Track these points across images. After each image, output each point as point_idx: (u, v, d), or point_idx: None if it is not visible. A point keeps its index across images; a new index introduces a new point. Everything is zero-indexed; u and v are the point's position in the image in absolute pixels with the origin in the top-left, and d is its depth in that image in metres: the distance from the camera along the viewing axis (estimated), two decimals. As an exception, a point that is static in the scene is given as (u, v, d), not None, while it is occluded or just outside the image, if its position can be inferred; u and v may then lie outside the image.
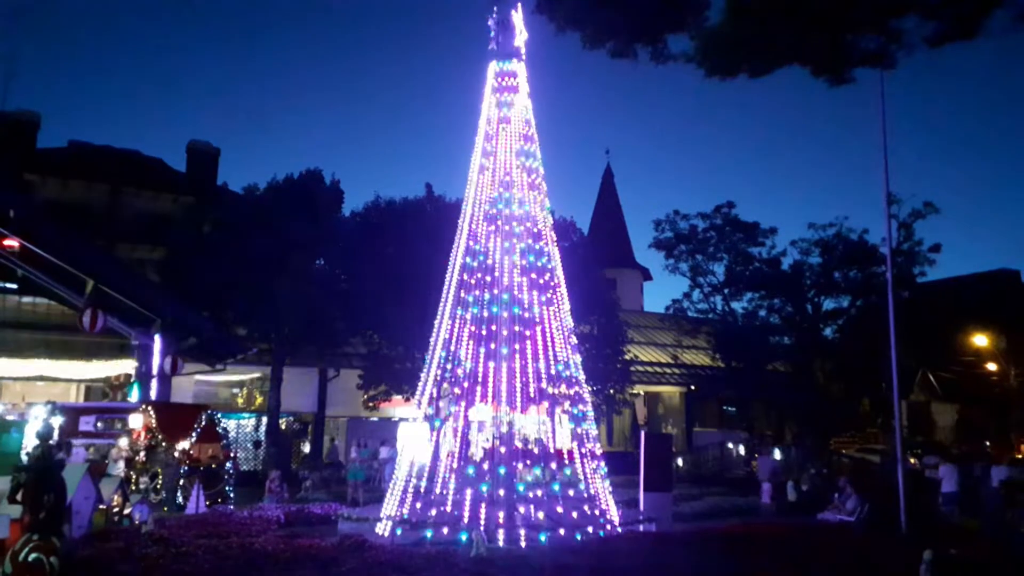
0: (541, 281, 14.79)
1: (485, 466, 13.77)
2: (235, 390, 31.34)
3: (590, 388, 15.79)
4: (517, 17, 16.00)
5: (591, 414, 15.28)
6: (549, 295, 14.79)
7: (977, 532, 15.34)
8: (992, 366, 35.21)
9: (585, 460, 14.37)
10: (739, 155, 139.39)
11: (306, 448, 28.16)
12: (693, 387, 35.18)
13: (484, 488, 13.23)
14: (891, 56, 8.57)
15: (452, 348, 14.20)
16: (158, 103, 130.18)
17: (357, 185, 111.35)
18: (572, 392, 14.59)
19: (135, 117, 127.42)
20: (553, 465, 14.12)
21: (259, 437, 23.98)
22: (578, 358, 15.23)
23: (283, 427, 26.13)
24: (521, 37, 16.04)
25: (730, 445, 31.82)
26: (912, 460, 25.35)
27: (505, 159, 15.18)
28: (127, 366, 22.94)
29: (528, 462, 14.17)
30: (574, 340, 15.37)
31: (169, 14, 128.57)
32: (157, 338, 21.31)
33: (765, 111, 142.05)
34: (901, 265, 28.76)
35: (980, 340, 35.10)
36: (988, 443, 33.64)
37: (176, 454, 16.37)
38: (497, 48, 15.86)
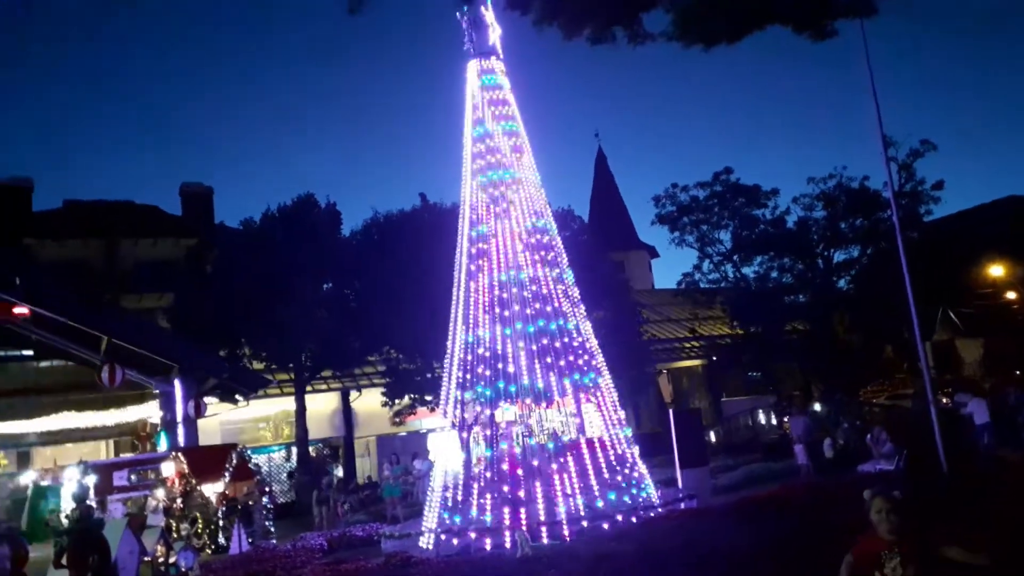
0: (548, 255, 14.83)
1: (518, 466, 13.74)
2: (261, 425, 31.43)
3: (612, 374, 15.71)
4: (488, 14, 15.95)
5: (616, 397, 15.24)
6: (556, 273, 14.80)
7: (1019, 461, 15.20)
8: (1012, 295, 34.90)
9: (617, 445, 14.33)
10: (730, 123, 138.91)
11: (339, 472, 28.22)
12: (714, 358, 35.05)
13: (520, 488, 13.20)
14: (869, 2, 8.49)
15: (471, 338, 14.17)
16: (144, 150, 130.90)
17: (354, 204, 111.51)
18: (595, 378, 14.54)
19: (124, 167, 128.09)
20: (586, 454, 14.07)
21: (291, 468, 24.04)
22: (595, 342, 15.18)
23: (313, 454, 26.19)
24: (495, 33, 15.98)
25: (760, 411, 31.69)
26: (944, 399, 25.15)
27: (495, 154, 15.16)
28: (151, 415, 23.05)
29: (561, 456, 14.12)
30: (588, 327, 15.31)
31: (142, 58, 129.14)
32: (177, 384, 21.38)
33: (751, 76, 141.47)
34: (906, 207, 28.57)
35: (996, 271, 34.77)
36: (1018, 371, 33.32)
37: (212, 496, 16.42)
38: (472, 47, 15.82)
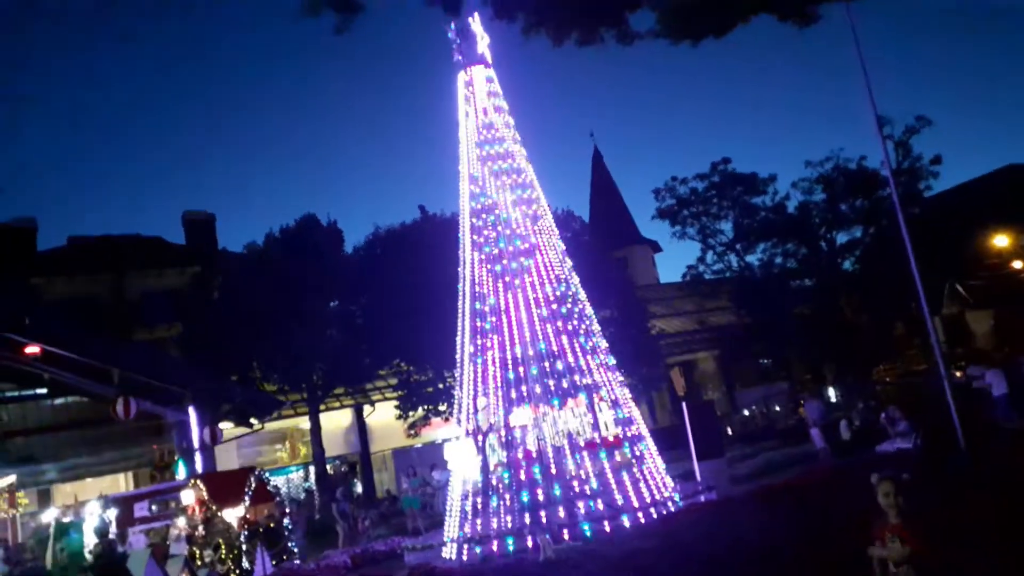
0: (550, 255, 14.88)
1: (536, 468, 13.76)
2: (278, 446, 31.51)
3: (622, 371, 15.75)
4: (476, 24, 16.05)
5: (629, 395, 15.27)
6: (560, 275, 14.86)
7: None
8: (1018, 264, 34.76)
9: (633, 442, 14.34)
10: (725, 114, 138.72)
11: (358, 488, 28.27)
12: (725, 348, 35.03)
13: (539, 491, 13.22)
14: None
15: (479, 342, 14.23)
16: (144, 181, 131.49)
17: (356, 219, 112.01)
18: (606, 376, 14.57)
19: (126, 199, 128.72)
20: (603, 454, 14.08)
21: (310, 486, 24.10)
22: (604, 343, 15.22)
23: (330, 472, 26.25)
24: (483, 43, 16.08)
25: (773, 398, 31.64)
26: (957, 373, 25.06)
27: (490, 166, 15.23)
28: (168, 444, 23.13)
29: (579, 455, 14.13)
30: (596, 327, 15.35)
31: (135, 92, 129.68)
32: (191, 412, 21.43)
33: (743, 67, 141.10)
34: (905, 184, 28.56)
35: (1001, 241, 34.63)
36: (1030, 340, 33.14)
37: (233, 521, 16.45)
38: (462, 58, 15.91)
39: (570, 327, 14.37)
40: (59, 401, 23.61)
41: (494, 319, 14.24)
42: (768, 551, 8.21)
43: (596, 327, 15.19)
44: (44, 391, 22.53)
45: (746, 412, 31.60)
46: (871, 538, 5.18)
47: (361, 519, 20.53)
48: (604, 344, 15.10)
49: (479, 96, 15.66)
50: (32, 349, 19.26)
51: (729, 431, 28.29)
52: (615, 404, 14.48)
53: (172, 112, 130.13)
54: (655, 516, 12.83)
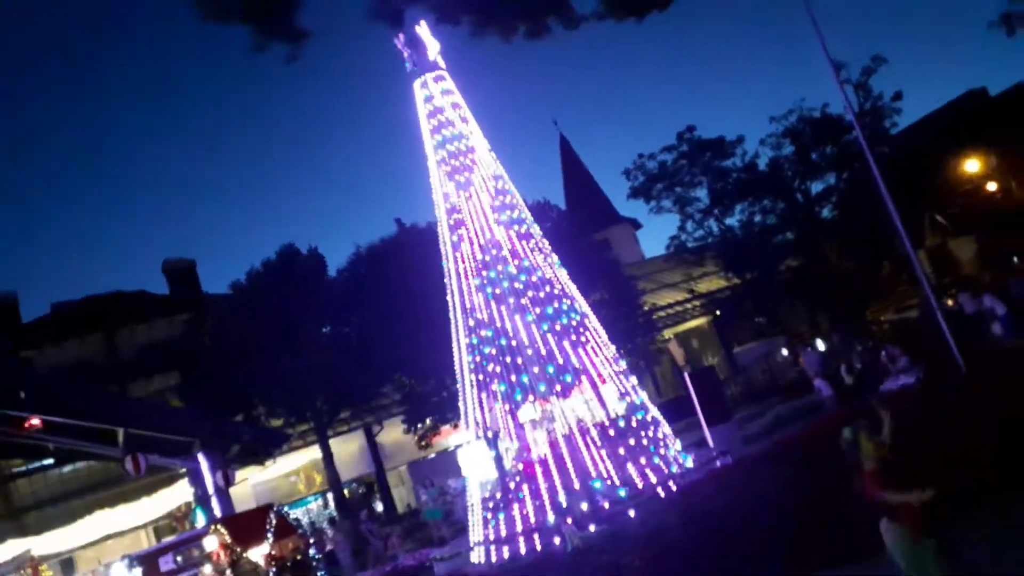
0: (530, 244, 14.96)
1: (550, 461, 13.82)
2: (293, 479, 31.46)
3: (621, 350, 15.85)
4: (424, 32, 16.07)
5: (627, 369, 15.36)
6: (543, 260, 14.93)
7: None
8: (992, 186, 35.08)
9: (642, 419, 14.42)
10: (683, 84, 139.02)
11: (379, 507, 28.28)
12: (718, 312, 35.21)
13: (557, 483, 13.28)
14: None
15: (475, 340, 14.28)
16: (118, 235, 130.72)
17: (336, 242, 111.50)
18: (605, 356, 14.66)
19: (103, 257, 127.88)
20: (611, 432, 14.12)
21: (332, 514, 24.11)
22: (596, 323, 15.30)
23: (348, 496, 26.26)
24: (433, 49, 16.10)
25: (773, 354, 31.84)
26: (949, 302, 25.30)
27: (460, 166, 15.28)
28: (183, 493, 23.09)
29: (590, 439, 14.17)
30: (587, 308, 15.42)
31: (92, 150, 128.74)
32: (201, 458, 21.38)
33: (691, 36, 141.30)
34: (870, 124, 28.75)
35: (972, 166, 34.95)
36: (1016, 259, 33.48)
37: (259, 559, 16.45)
38: (415, 67, 15.93)
39: (564, 321, 14.42)
40: (68, 469, 23.55)
41: (487, 331, 14.27)
42: (787, 507, 8.31)
43: (592, 319, 15.21)
44: (51, 461, 22.46)
45: (748, 371, 31.78)
46: (863, 490, 5.41)
47: (389, 536, 20.59)
48: (602, 333, 15.15)
49: (436, 101, 15.69)
50: (32, 422, 19.15)
51: (733, 390, 28.44)
52: (622, 394, 14.56)
53: (134, 164, 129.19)
54: (674, 488, 12.91)
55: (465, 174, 15.22)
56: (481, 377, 14.26)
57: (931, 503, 5.35)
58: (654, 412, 14.95)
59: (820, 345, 24.93)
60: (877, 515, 5.55)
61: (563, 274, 15.35)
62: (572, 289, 15.25)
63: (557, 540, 11.95)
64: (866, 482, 5.44)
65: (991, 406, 9.39)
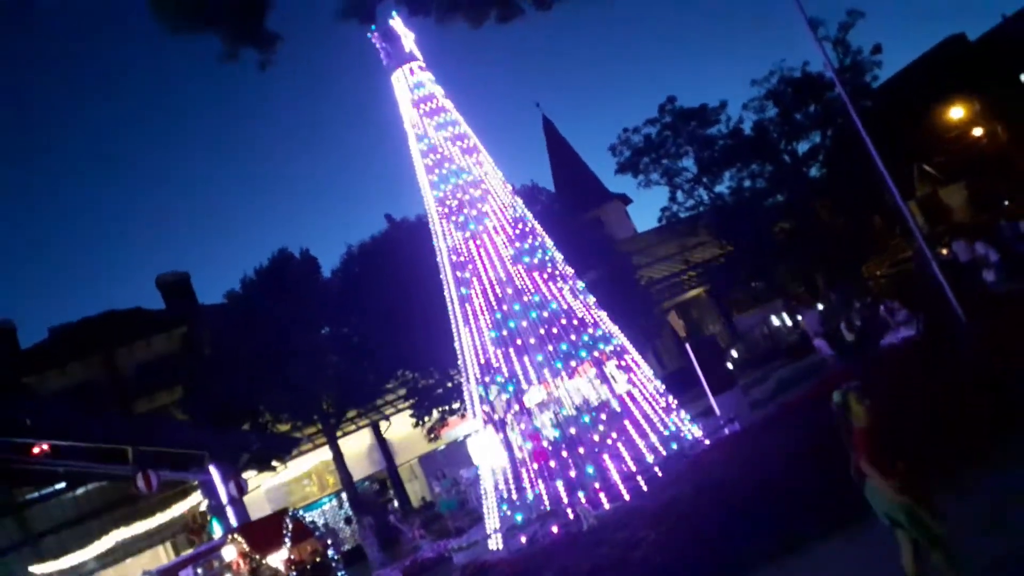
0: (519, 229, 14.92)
1: (560, 443, 13.85)
2: (305, 482, 31.54)
3: (620, 325, 15.84)
4: (397, 24, 15.96)
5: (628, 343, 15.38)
6: (532, 243, 14.91)
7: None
8: (978, 130, 35.07)
9: (648, 394, 14.46)
10: (662, 56, 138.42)
11: (394, 503, 28.39)
12: (714, 281, 35.25)
13: (569, 463, 13.32)
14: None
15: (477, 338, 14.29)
16: (108, 255, 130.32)
17: (329, 243, 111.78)
18: (603, 333, 14.67)
19: (95, 278, 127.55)
20: (616, 407, 14.14)
21: (347, 513, 24.20)
22: (592, 299, 15.31)
23: (361, 493, 26.36)
24: (409, 41, 16.00)
25: (772, 318, 31.92)
26: (943, 251, 25.34)
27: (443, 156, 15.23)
28: (197, 506, 23.14)
29: (595, 415, 14.19)
30: (581, 286, 15.42)
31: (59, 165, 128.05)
32: (212, 469, 21.41)
33: (666, 5, 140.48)
34: (852, 79, 28.65)
35: (957, 113, 34.93)
36: (1007, 201, 33.53)
37: (279, 565, 16.52)
38: (391, 60, 15.84)
39: (565, 306, 14.42)
40: (80, 491, 23.57)
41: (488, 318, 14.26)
42: (796, 469, 8.35)
43: (590, 298, 15.21)
44: (63, 485, 22.48)
45: (749, 337, 31.87)
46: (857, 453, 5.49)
47: (414, 528, 20.75)
48: (603, 314, 15.16)
49: (418, 92, 15.61)
50: (40, 448, 19.14)
51: (735, 356, 28.52)
52: (627, 370, 14.58)
53: (119, 183, 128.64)
54: (685, 460, 12.95)
55: (448, 165, 15.16)
56: (483, 362, 14.27)
57: (915, 467, 5.46)
58: (658, 385, 14.98)
59: (821, 303, 24.95)
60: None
61: (559, 256, 15.33)
62: (569, 271, 15.24)
63: (571, 514, 12.00)
64: (855, 445, 5.51)
65: (987, 357, 9.43)
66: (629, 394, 14.34)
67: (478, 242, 14.61)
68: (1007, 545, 6.35)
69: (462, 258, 14.67)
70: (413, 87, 15.63)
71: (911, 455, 5.67)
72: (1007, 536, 6.53)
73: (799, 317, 25.38)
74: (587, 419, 13.74)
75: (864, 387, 5.64)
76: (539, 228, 15.52)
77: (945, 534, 5.43)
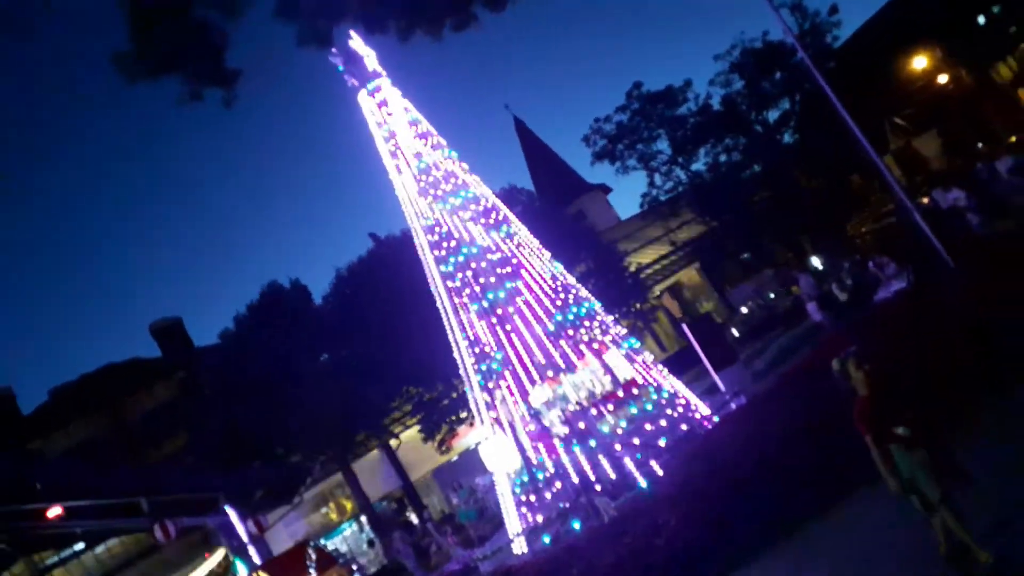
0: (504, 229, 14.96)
1: (571, 438, 13.87)
2: (323, 510, 31.49)
3: (615, 313, 15.93)
4: (357, 43, 15.94)
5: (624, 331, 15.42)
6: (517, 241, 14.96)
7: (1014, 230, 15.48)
8: (943, 77, 35.23)
9: (652, 377, 14.51)
10: (625, 43, 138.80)
11: (413, 518, 28.37)
12: (703, 258, 35.41)
13: (582, 459, 13.34)
14: None
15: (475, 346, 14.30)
16: (97, 305, 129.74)
17: (319, 270, 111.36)
18: (600, 322, 14.71)
19: (87, 329, 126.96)
20: (620, 393, 14.15)
21: (369, 536, 24.18)
22: (584, 291, 15.36)
23: (380, 513, 26.34)
24: (370, 59, 15.99)
25: (765, 288, 32.05)
26: (924, 200, 25.49)
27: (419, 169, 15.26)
28: (220, 548, 23.09)
29: (610, 407, 14.19)
30: (571, 279, 15.46)
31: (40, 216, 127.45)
32: (229, 510, 21.37)
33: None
34: (812, 43, 28.84)
35: (920, 62, 35.07)
36: (980, 144, 33.71)
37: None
38: (356, 79, 15.83)
39: (558, 303, 14.45)
40: (100, 549, 23.47)
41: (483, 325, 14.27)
42: (801, 436, 8.41)
43: (583, 291, 15.26)
44: (82, 546, 22.37)
45: (744, 310, 31.97)
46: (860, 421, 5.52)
47: (446, 536, 20.76)
48: (598, 305, 15.20)
49: (384, 109, 15.62)
50: (54, 511, 19.06)
51: (733, 331, 28.62)
52: (618, 345, 14.63)
53: (102, 238, 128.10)
54: (696, 439, 12.99)
55: (426, 177, 15.18)
56: (485, 368, 14.28)
57: (915, 424, 5.45)
58: (662, 370, 15.03)
59: (811, 267, 25.03)
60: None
61: (546, 254, 15.37)
62: (562, 272, 15.27)
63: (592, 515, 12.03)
64: (857, 410, 5.53)
65: (972, 308, 9.50)
66: (632, 380, 14.38)
67: (465, 251, 14.62)
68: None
69: (450, 267, 14.68)
70: (380, 105, 15.63)
71: (919, 407, 5.66)
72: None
73: (795, 286, 25.47)
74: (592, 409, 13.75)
75: (860, 351, 5.68)
76: (524, 229, 15.55)
77: (939, 498, 5.34)
